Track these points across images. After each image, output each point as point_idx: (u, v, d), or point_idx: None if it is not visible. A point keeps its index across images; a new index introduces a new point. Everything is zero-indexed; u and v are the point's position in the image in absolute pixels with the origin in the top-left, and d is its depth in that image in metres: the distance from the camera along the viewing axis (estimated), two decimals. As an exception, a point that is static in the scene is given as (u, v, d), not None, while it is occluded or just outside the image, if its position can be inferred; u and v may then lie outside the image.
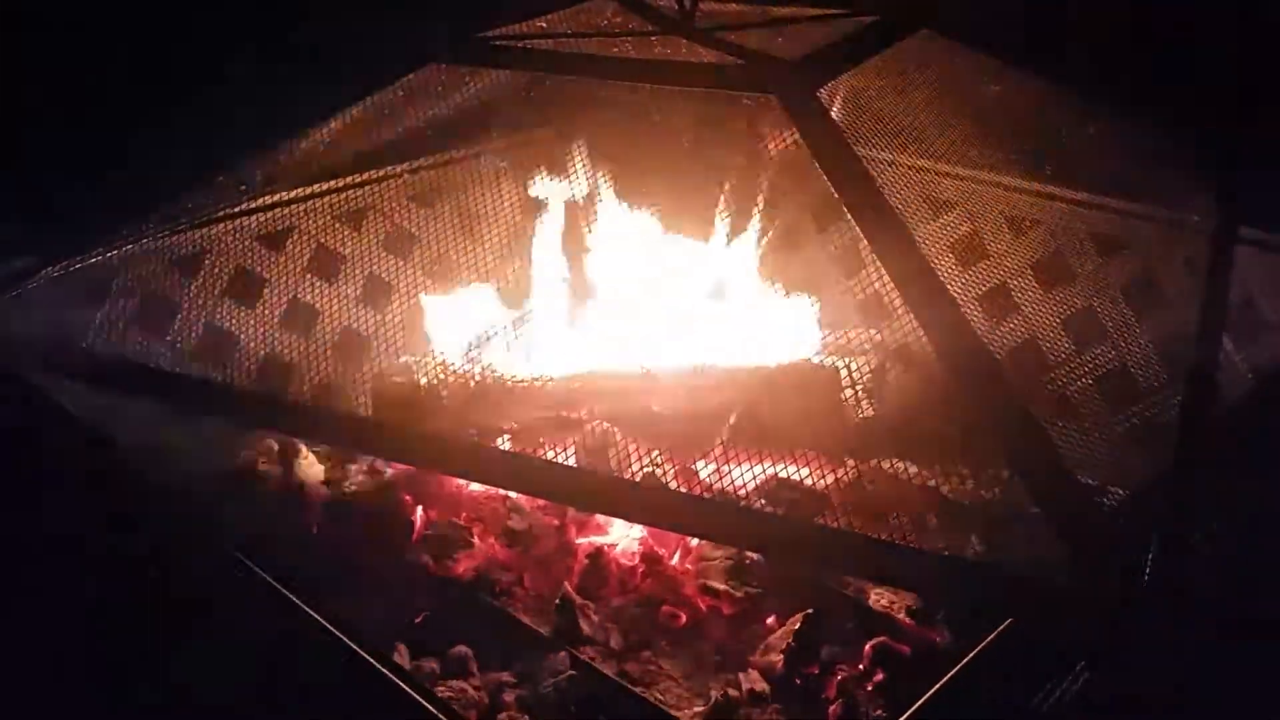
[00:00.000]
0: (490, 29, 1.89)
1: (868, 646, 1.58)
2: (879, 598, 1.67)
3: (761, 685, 1.55)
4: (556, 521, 1.83)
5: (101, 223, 1.89)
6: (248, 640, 1.43)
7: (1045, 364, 1.94)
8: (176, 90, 2.06)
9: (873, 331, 1.99)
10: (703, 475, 1.81)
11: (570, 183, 2.16)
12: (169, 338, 1.94)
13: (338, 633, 1.28)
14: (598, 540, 1.78)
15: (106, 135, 2.04)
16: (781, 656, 1.57)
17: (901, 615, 1.63)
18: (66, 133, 2.08)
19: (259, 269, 2.06)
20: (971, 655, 1.13)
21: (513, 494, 1.86)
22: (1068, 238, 1.92)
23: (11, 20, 2.06)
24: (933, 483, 1.68)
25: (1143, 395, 1.81)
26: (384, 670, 1.24)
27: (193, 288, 1.98)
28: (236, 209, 2.02)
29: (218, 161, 1.93)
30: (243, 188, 2.00)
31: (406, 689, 1.20)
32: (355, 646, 1.25)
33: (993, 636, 1.13)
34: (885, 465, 1.73)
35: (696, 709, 1.53)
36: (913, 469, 1.71)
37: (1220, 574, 1.17)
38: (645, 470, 1.73)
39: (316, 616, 1.31)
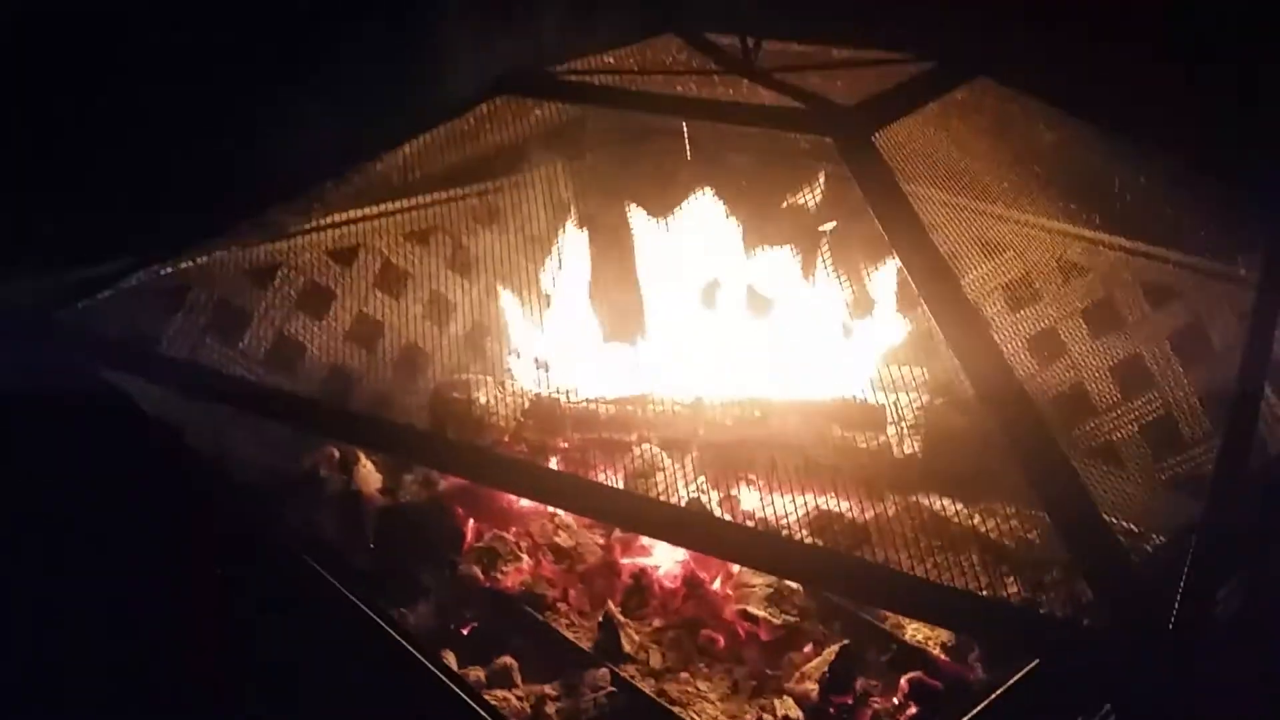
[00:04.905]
0: (559, 63, 1.95)
1: (903, 680, 1.60)
2: (915, 632, 1.69)
3: (796, 712, 1.57)
4: (602, 540, 1.87)
5: (187, 231, 1.98)
6: (307, 638, 1.49)
7: (1092, 409, 1.96)
8: (262, 113, 2.17)
9: (920, 369, 2.03)
10: (746, 503, 1.85)
11: (630, 209, 2.23)
12: (241, 345, 2.03)
13: (396, 635, 1.34)
14: (641, 561, 1.81)
15: (201, 151, 2.16)
16: (816, 685, 1.59)
17: (936, 651, 1.65)
18: (163, 149, 2.20)
19: (328, 283, 2.15)
20: (994, 695, 1.15)
21: (561, 511, 1.91)
22: (1117, 285, 1.93)
23: (125, 36, 2.19)
24: (975, 520, 1.70)
25: (1187, 444, 1.82)
26: (440, 675, 1.29)
27: (266, 298, 2.06)
28: (311, 225, 2.11)
29: (297, 179, 2.02)
30: (317, 205, 2.09)
31: (461, 694, 1.25)
32: (415, 651, 1.30)
33: (1017, 677, 1.16)
34: (927, 502, 1.77)
35: (731, 731, 1.56)
36: (955, 507, 1.74)
37: (1248, 623, 1.19)
38: (690, 496, 1.78)
39: (376, 618, 1.36)
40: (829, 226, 1.93)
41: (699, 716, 1.58)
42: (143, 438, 1.74)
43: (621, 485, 1.82)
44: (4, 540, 1.74)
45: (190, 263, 1.96)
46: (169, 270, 1.93)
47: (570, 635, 1.71)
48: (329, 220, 2.13)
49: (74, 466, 1.75)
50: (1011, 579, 1.51)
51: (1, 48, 2.22)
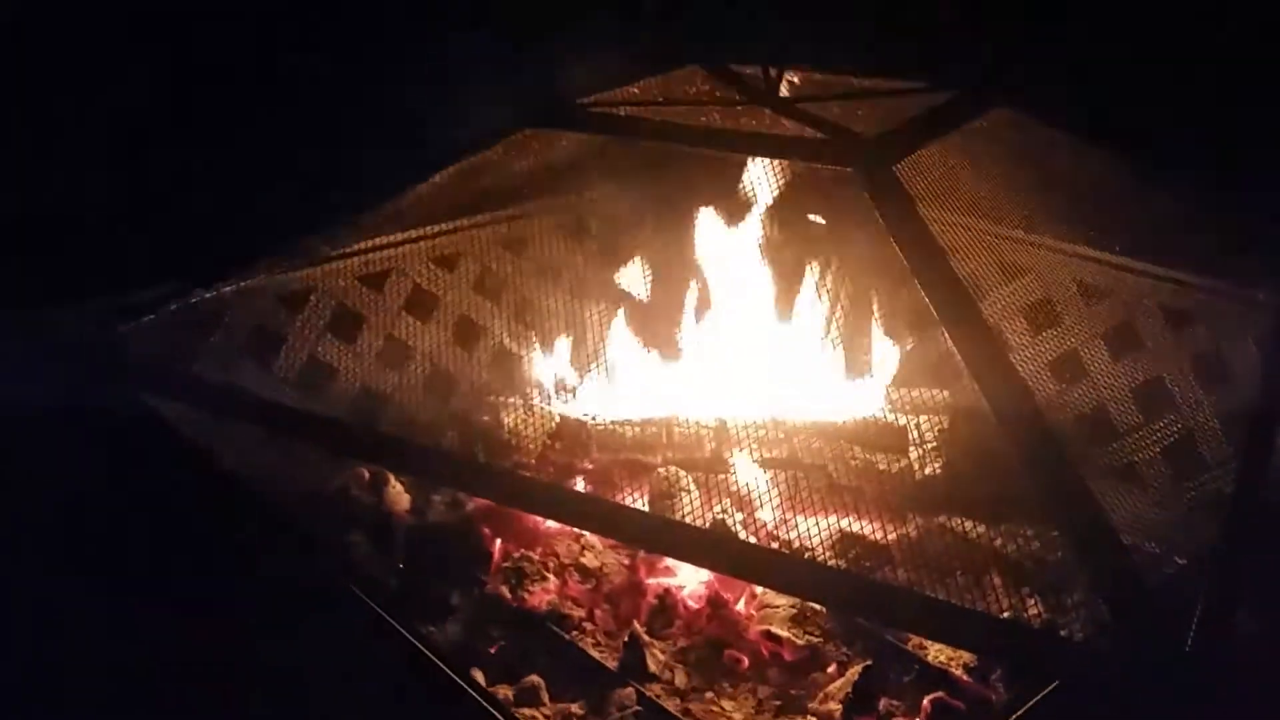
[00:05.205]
0: (584, 95, 1.99)
1: (926, 701, 1.61)
2: (938, 653, 1.70)
3: (819, 732, 1.60)
4: (627, 561, 1.89)
5: (222, 259, 2.03)
6: (337, 653, 1.52)
7: (1113, 431, 1.97)
8: (295, 140, 2.22)
9: (943, 392, 2.05)
10: (769, 525, 1.87)
11: (651, 236, 2.26)
12: (275, 368, 2.08)
13: (428, 653, 1.36)
14: (666, 581, 1.83)
15: (230, 178, 2.20)
16: (840, 706, 1.61)
17: (959, 671, 1.66)
18: (195, 178, 2.25)
19: (359, 307, 2.19)
20: (1015, 716, 1.17)
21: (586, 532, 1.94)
22: (1137, 309, 1.95)
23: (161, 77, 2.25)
24: (997, 542, 1.71)
25: (1207, 466, 1.83)
26: (471, 692, 1.31)
27: (298, 322, 2.11)
28: (342, 250, 2.16)
29: (330, 207, 2.07)
30: (348, 231, 2.14)
31: (493, 712, 1.27)
32: (447, 669, 1.33)
33: (1038, 698, 1.17)
34: (949, 524, 1.78)
35: (755, 751, 1.58)
36: (977, 529, 1.75)
37: (1266, 644, 1.20)
38: (714, 517, 1.80)
39: (409, 636, 1.38)
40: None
41: (723, 736, 1.60)
42: (164, 448, 1.78)
43: (646, 507, 1.85)
44: (12, 543, 1.79)
45: (227, 288, 2.00)
46: (206, 296, 1.97)
47: (596, 654, 1.73)
48: (359, 246, 2.18)
49: (90, 472, 1.79)
50: (1033, 601, 1.53)
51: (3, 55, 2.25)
